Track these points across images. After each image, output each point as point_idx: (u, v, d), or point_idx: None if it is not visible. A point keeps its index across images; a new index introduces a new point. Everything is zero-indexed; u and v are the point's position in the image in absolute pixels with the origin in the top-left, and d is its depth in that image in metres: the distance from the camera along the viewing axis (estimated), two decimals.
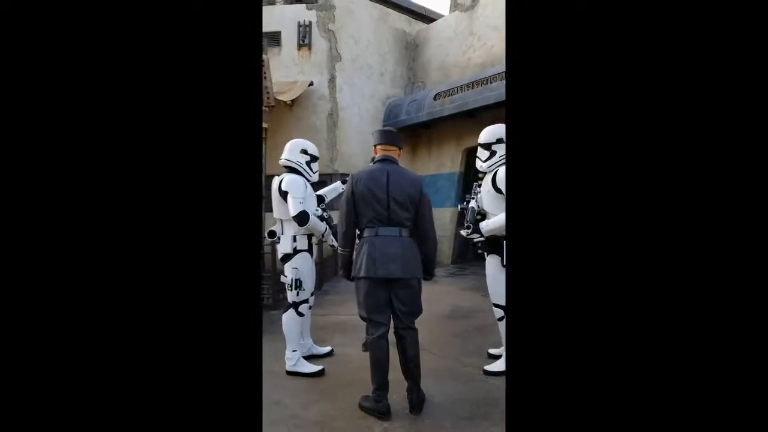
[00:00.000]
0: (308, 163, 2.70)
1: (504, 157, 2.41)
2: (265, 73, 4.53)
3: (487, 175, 2.46)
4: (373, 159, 2.16)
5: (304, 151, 2.66)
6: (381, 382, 1.94)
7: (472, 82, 5.54)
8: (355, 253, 2.04)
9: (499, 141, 2.43)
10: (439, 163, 6.63)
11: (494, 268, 2.44)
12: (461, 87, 5.67)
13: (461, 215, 2.59)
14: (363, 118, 6.58)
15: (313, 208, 2.61)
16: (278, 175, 2.67)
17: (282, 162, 2.65)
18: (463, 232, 2.50)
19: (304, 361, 2.59)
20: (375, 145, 2.17)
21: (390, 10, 7.74)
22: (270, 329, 3.47)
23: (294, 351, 2.57)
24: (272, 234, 2.65)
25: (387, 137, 2.14)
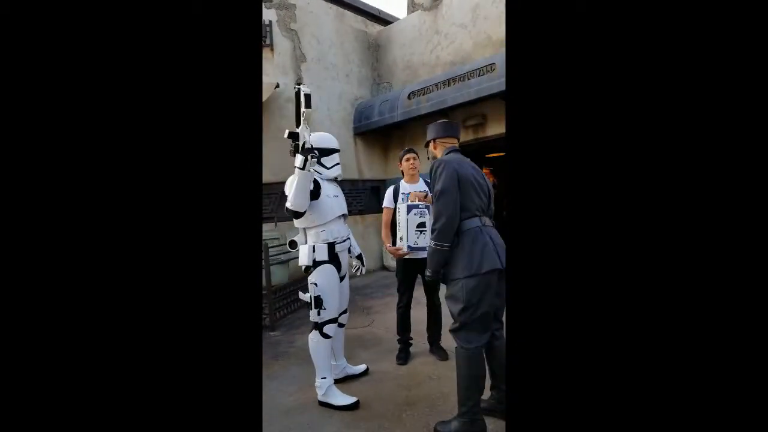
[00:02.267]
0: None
1: None
2: None
3: None
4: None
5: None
6: (478, 400, 1.70)
7: (448, 80, 5.47)
8: (454, 248, 1.72)
9: None
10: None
11: None
12: (436, 85, 5.58)
13: None
14: (333, 121, 6.28)
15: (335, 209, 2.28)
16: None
17: None
18: None
19: (336, 391, 2.24)
20: (434, 140, 1.98)
21: (345, 11, 7.54)
22: (271, 352, 3.09)
23: (323, 378, 2.22)
24: (293, 244, 2.32)
25: (452, 130, 1.97)
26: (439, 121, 2.06)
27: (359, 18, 8.06)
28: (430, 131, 2.01)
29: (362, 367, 2.62)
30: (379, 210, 2.52)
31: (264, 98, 5.38)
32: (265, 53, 5.87)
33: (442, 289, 2.16)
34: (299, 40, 6.05)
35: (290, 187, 2.04)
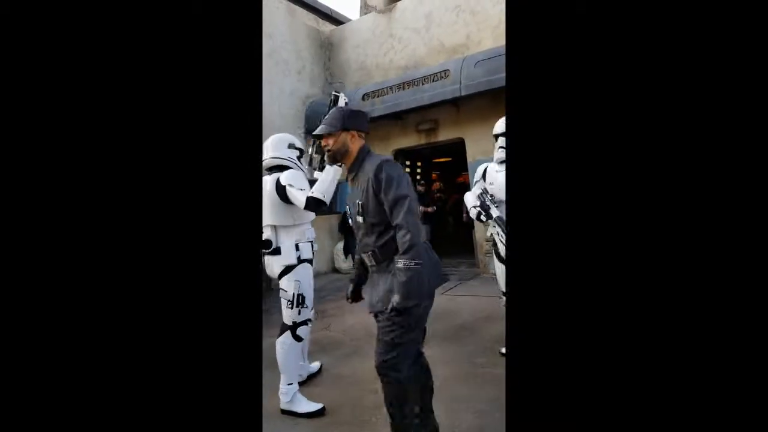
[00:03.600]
0: (298, 158, 2.35)
1: None
2: None
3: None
4: (365, 149, 1.61)
5: (292, 146, 2.33)
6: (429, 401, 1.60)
7: (403, 83, 5.52)
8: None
9: None
10: None
11: None
12: (391, 88, 5.61)
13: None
14: (285, 118, 6.09)
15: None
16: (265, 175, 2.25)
17: (269, 161, 2.25)
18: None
19: (302, 397, 2.14)
20: (363, 132, 1.63)
21: (297, 7, 7.37)
22: None
23: (290, 384, 2.12)
24: (268, 244, 2.17)
25: (367, 124, 1.68)
26: (356, 109, 1.71)
27: (311, 15, 7.92)
28: (346, 119, 1.59)
29: (317, 365, 2.61)
30: (330, 211, 2.47)
31: None
32: None
33: None
34: None
35: (302, 182, 2.15)
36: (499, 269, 2.56)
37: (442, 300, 3.99)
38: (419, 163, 9.01)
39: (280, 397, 2.13)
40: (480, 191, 2.56)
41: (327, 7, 8.36)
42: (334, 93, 2.28)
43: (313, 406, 2.10)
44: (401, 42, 6.24)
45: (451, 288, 4.66)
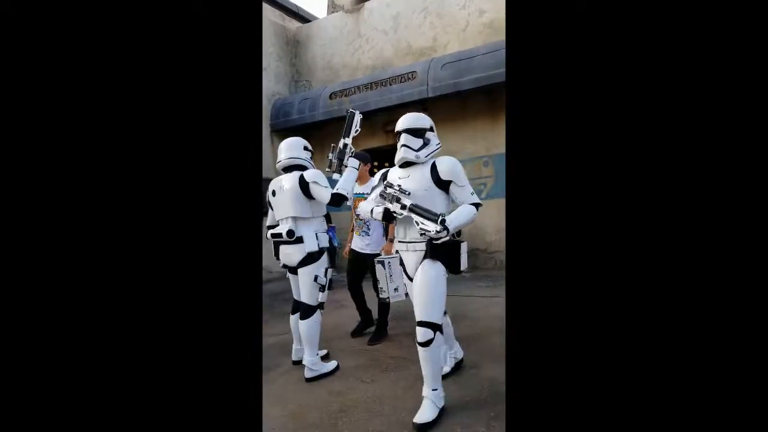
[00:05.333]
0: (311, 159, 2.62)
1: (440, 145, 2.03)
2: None
3: (418, 168, 1.96)
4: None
5: (306, 148, 2.61)
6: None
7: (371, 83, 5.50)
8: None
9: (431, 128, 2.03)
10: None
11: (434, 272, 1.87)
12: (359, 87, 5.58)
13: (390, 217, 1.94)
14: None
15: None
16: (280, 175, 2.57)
17: (285, 162, 2.52)
18: (435, 233, 1.71)
19: (322, 362, 2.55)
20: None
21: (262, 3, 7.19)
22: None
23: (316, 354, 2.52)
24: (291, 234, 2.43)
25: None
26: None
27: (277, 12, 7.76)
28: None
29: (334, 363, 2.72)
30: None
31: None
32: None
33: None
34: None
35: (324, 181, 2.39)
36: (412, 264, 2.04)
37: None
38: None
39: (309, 368, 2.45)
40: (380, 190, 2.00)
41: (293, 4, 8.22)
42: (350, 110, 2.38)
43: (333, 364, 2.58)
44: (369, 42, 6.22)
45: None
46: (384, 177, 2.10)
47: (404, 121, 2.00)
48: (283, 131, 6.24)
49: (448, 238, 1.73)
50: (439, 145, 2.03)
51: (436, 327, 1.86)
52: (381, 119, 5.91)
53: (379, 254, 2.93)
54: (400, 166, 2.04)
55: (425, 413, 1.83)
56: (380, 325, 3.10)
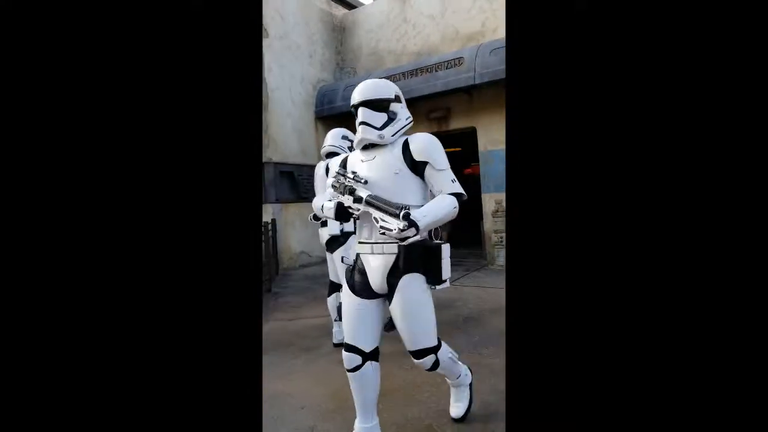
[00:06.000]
0: (350, 149, 2.75)
1: (411, 120, 1.61)
2: None
3: (386, 148, 1.54)
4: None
5: (346, 137, 2.80)
6: None
7: (416, 69, 5.45)
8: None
9: (398, 98, 1.59)
10: None
11: (416, 293, 1.49)
12: (404, 74, 5.54)
13: (344, 213, 1.56)
14: (295, 103, 6.05)
15: None
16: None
17: (327, 149, 2.77)
18: (398, 231, 1.33)
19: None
20: None
21: None
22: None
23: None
24: (315, 217, 2.71)
25: None
26: None
27: None
28: None
29: None
30: None
31: None
32: None
33: None
34: (262, 14, 5.73)
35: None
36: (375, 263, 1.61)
37: (449, 290, 3.99)
38: None
39: (337, 336, 2.79)
40: (334, 178, 1.57)
41: None
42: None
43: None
44: (415, 28, 6.14)
45: (458, 278, 4.65)
46: (344, 163, 1.64)
47: (361, 92, 1.54)
48: (327, 118, 6.33)
49: (418, 238, 1.35)
50: (410, 120, 1.59)
51: (435, 349, 1.57)
52: (425, 107, 5.84)
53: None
54: (362, 149, 1.59)
55: (460, 405, 1.82)
56: None
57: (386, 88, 1.57)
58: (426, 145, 1.50)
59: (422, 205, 1.46)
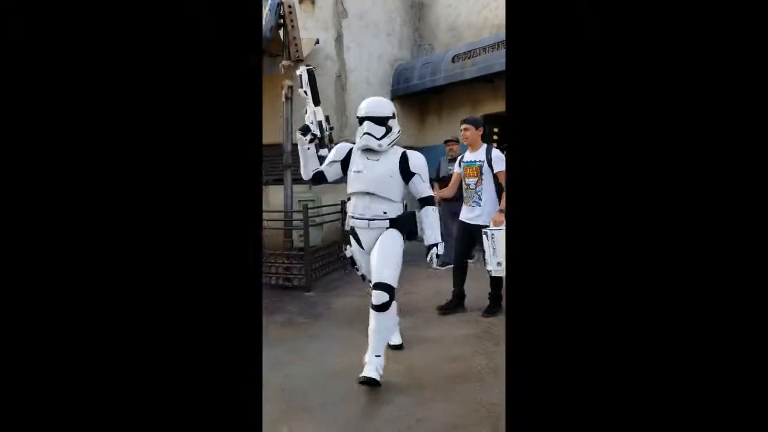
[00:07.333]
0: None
1: (400, 132, 2.23)
2: (292, 21, 3.96)
3: (388, 154, 2.16)
4: None
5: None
6: None
7: (497, 43, 5.16)
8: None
9: (393, 115, 2.18)
10: (451, 132, 6.28)
11: (390, 240, 2.12)
12: (484, 48, 5.29)
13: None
14: (371, 82, 6.08)
15: None
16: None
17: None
18: (436, 258, 2.27)
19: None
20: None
21: None
22: (309, 312, 3.27)
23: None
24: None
25: None
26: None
27: None
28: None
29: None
30: None
31: (304, 54, 5.21)
32: (306, 7, 5.64)
33: None
34: None
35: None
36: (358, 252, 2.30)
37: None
38: None
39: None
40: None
41: None
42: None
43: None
44: None
45: None
46: (350, 152, 2.24)
47: (367, 108, 2.14)
48: (403, 97, 6.27)
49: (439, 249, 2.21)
50: (399, 133, 2.21)
51: (391, 291, 2.01)
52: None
53: (487, 226, 2.82)
54: (363, 151, 2.18)
55: (369, 372, 1.98)
56: (494, 298, 2.98)
57: (387, 107, 2.18)
58: (420, 163, 2.20)
59: (400, 201, 2.18)
